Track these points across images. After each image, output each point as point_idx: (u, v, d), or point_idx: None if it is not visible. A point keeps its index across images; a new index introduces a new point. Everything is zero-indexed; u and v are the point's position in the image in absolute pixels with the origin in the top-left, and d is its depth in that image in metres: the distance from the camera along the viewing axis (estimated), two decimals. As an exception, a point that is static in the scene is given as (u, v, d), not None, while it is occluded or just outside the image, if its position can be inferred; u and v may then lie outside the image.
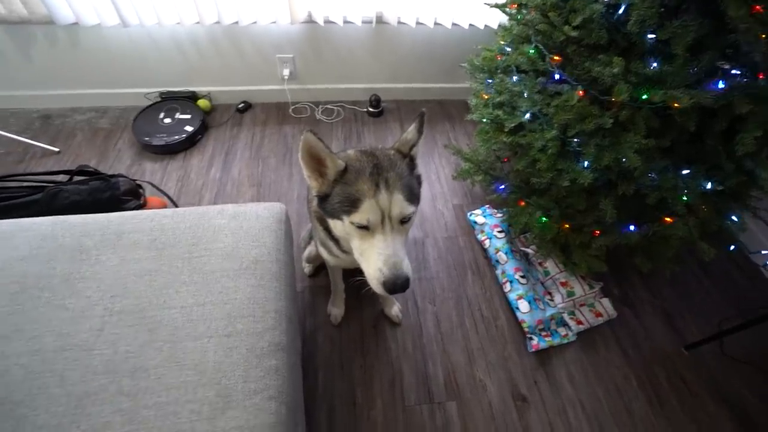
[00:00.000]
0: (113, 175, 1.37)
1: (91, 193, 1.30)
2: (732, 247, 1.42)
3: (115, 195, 1.34)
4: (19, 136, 1.87)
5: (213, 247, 1.05)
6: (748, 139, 1.04)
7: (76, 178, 1.37)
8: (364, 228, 0.79)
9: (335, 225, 0.85)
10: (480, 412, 1.31)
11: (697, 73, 1.08)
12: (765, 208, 1.38)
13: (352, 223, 0.79)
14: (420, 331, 1.48)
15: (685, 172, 1.21)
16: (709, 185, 1.22)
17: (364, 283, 0.85)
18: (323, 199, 0.84)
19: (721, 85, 1.00)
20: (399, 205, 0.77)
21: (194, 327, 0.91)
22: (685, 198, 1.23)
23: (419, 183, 0.89)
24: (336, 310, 1.47)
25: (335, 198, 0.81)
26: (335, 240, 0.97)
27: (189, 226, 1.09)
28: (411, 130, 0.85)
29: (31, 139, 1.90)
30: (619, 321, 1.56)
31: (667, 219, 1.30)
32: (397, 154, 0.85)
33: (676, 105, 1.03)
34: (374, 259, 0.78)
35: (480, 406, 1.32)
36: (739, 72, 1.05)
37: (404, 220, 0.80)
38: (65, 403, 0.81)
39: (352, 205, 0.77)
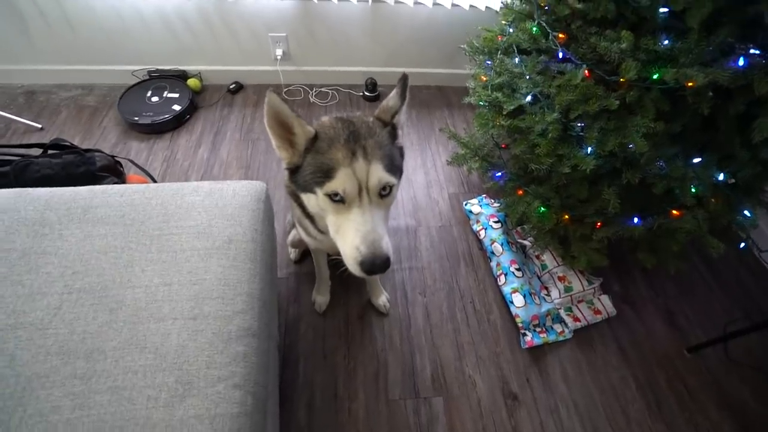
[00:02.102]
0: (89, 150, 1.30)
1: (64, 167, 1.23)
2: (742, 245, 1.33)
3: (90, 170, 1.27)
4: (0, 111, 1.80)
5: (185, 224, 0.98)
6: (767, 123, 0.96)
7: (50, 152, 1.30)
8: (340, 201, 0.71)
9: (308, 200, 0.77)
10: (468, 409, 1.25)
11: (712, 52, 0.99)
12: (779, 204, 1.30)
13: (326, 195, 0.71)
14: (408, 323, 1.41)
15: (696, 160, 1.12)
16: (721, 176, 1.14)
17: (341, 263, 0.78)
18: (294, 171, 0.77)
19: (741, 62, 0.91)
20: (377, 174, 0.70)
21: (158, 308, 0.85)
22: (694, 189, 1.15)
23: (402, 155, 0.81)
24: (321, 297, 1.40)
25: (307, 169, 0.73)
26: (311, 218, 0.90)
27: (161, 202, 1.02)
28: (392, 95, 0.77)
29: (14, 115, 1.84)
30: (618, 319, 1.49)
31: (675, 212, 1.22)
32: (376, 122, 0.77)
33: (690, 84, 0.95)
34: (351, 236, 0.71)
35: (468, 403, 1.26)
36: (758, 51, 0.97)
37: (384, 194, 0.72)
38: (13, 384, 0.75)
39: (325, 175, 0.70)
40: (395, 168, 0.74)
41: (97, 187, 1.07)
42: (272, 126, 0.74)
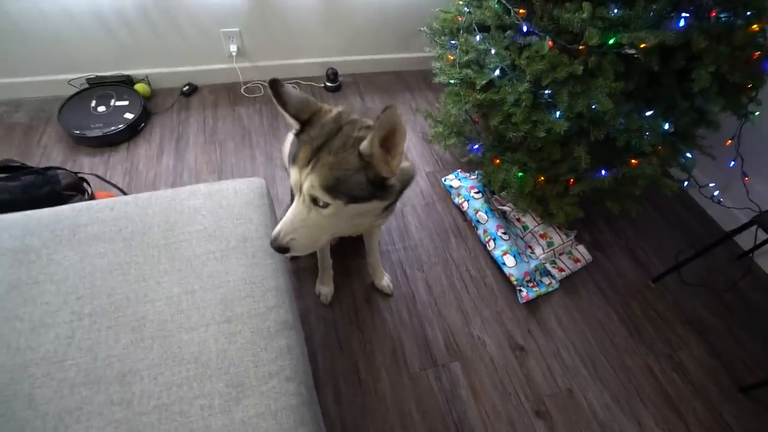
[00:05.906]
0: (49, 167, 1.17)
1: (25, 190, 1.10)
2: (685, 184, 1.56)
3: (56, 190, 1.14)
4: None
5: (191, 230, 0.94)
6: (704, 74, 1.12)
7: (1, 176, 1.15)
8: None
9: None
10: (483, 367, 1.33)
11: (654, 17, 1.14)
12: (709, 145, 1.53)
13: None
14: (413, 299, 1.47)
15: (648, 113, 1.28)
16: (666, 126, 1.32)
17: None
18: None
19: (681, 23, 1.06)
20: (309, 184, 0.76)
21: (186, 317, 0.81)
22: (648, 139, 1.31)
23: (380, 186, 0.79)
24: (325, 288, 1.40)
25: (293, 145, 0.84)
26: None
27: (158, 210, 0.97)
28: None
29: (-75, 142, 1.58)
30: (593, 264, 1.66)
31: (633, 161, 1.39)
32: (358, 143, 0.75)
33: (643, 45, 1.08)
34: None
35: (482, 362, 1.35)
36: (688, 14, 1.13)
37: (319, 204, 0.78)
38: (41, 425, 0.68)
39: (291, 159, 0.80)
40: (339, 191, 0.75)
41: (79, 204, 0.98)
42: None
